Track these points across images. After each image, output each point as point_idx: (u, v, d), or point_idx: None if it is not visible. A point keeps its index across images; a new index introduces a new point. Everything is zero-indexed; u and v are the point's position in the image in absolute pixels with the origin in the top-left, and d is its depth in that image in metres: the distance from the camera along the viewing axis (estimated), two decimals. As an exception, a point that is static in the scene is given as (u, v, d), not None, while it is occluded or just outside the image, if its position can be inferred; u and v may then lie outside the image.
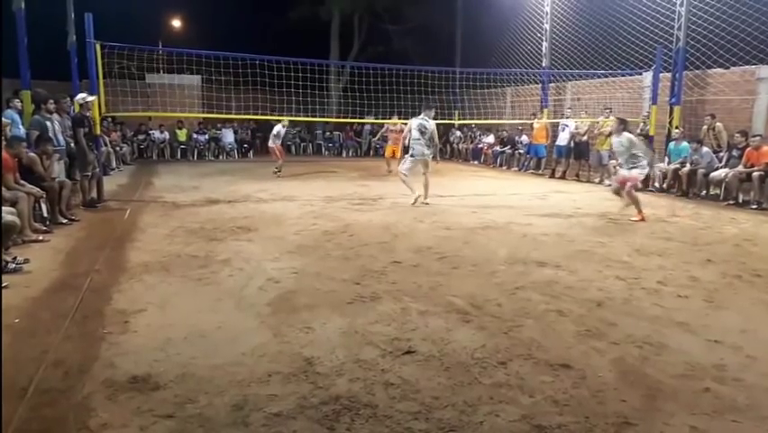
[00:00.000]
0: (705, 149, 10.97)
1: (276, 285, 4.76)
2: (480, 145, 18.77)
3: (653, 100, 12.91)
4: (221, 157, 19.07)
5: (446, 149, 20.92)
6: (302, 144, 22.14)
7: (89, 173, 8.68)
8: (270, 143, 13.87)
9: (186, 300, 4.38)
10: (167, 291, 4.58)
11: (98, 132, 9.45)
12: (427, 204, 9.06)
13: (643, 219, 8.09)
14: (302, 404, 2.81)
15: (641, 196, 8.86)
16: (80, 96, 8.61)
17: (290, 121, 17.05)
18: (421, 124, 8.92)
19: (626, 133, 8.25)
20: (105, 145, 12.71)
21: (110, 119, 14.92)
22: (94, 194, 8.85)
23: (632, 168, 8.21)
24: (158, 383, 2.99)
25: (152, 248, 6.02)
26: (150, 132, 18.46)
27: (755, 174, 9.72)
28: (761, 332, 3.89)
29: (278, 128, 13.71)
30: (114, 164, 14.29)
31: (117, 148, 15.28)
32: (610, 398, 2.93)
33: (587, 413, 2.77)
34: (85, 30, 8.99)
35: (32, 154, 6.97)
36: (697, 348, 3.59)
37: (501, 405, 2.84)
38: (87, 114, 8.60)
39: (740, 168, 10.05)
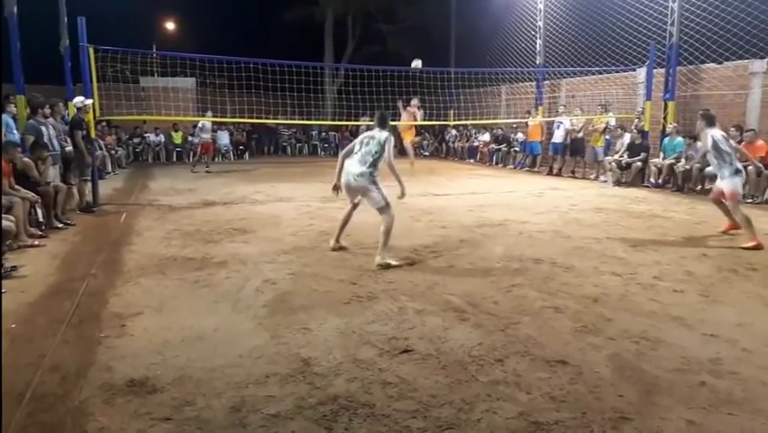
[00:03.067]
0: (699, 143, 10.98)
1: (273, 286, 4.76)
2: (475, 144, 18.81)
3: (648, 96, 12.94)
4: (216, 159, 19.05)
5: (442, 147, 20.97)
6: (298, 145, 22.14)
7: (88, 177, 8.67)
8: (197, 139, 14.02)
9: (182, 303, 4.37)
10: (163, 294, 4.58)
11: (93, 135, 9.44)
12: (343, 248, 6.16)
13: (757, 246, 6.12)
14: (300, 405, 2.81)
15: (641, 192, 8.81)
16: (78, 99, 8.60)
17: (286, 124, 17.11)
18: (365, 135, 5.74)
19: (709, 131, 6.54)
20: (101, 149, 12.70)
21: (105, 123, 14.90)
22: (89, 198, 8.84)
23: (726, 177, 6.44)
24: (155, 386, 2.99)
25: (148, 251, 6.01)
26: (146, 135, 18.45)
27: (750, 168, 9.74)
28: (756, 325, 3.91)
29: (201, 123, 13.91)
30: (109, 168, 14.26)
31: (113, 151, 15.26)
32: (607, 393, 2.94)
33: (584, 409, 2.78)
34: (78, 33, 8.97)
35: (26, 159, 6.96)
36: (693, 342, 3.61)
37: (498, 402, 2.85)
38: (85, 117, 8.60)
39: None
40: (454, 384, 3.03)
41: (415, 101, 13.61)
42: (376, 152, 5.48)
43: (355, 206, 5.93)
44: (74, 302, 4.36)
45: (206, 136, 14.56)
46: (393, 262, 5.41)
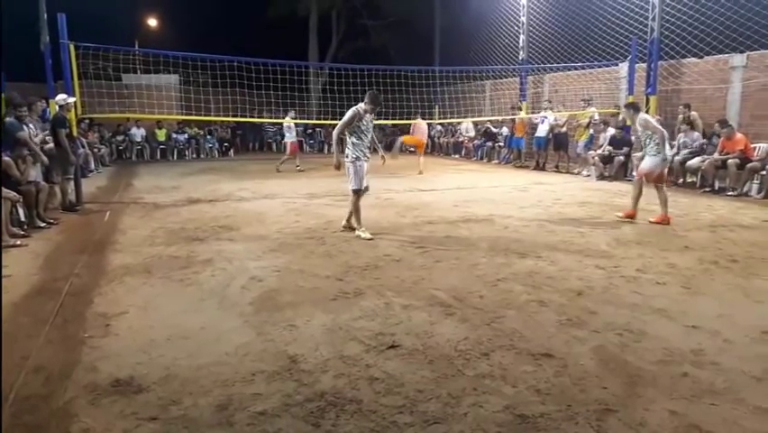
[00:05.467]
0: (696, 133, 11.06)
1: (259, 284, 4.75)
2: (460, 139, 18.86)
3: (630, 91, 13.07)
4: (201, 156, 18.94)
5: (428, 143, 20.97)
6: (283, 142, 22.00)
7: (71, 175, 8.57)
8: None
9: (168, 302, 4.35)
10: (148, 293, 4.55)
11: (75, 133, 9.33)
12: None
13: (660, 222, 7.22)
14: (287, 402, 2.81)
15: (624, 186, 8.88)
16: (61, 96, 8.48)
17: (270, 121, 17.13)
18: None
19: (640, 115, 7.43)
20: (83, 147, 12.55)
21: (88, 120, 14.72)
22: (72, 197, 8.74)
23: (649, 155, 7.40)
24: (141, 386, 2.97)
25: (133, 250, 5.97)
26: (128, 131, 18.25)
27: (731, 162, 9.89)
28: (737, 316, 3.97)
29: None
30: (92, 166, 14.11)
31: (95, 149, 15.09)
32: (591, 385, 2.97)
33: (569, 401, 2.81)
34: (58, 30, 8.85)
35: (6, 158, 6.85)
36: (675, 334, 3.66)
37: (485, 396, 2.87)
38: (67, 115, 8.49)
39: (716, 155, 10.21)
40: (441, 379, 3.05)
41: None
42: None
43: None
44: (57, 302, 4.31)
45: (292, 136, 14.53)
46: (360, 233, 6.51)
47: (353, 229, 6.69)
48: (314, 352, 3.39)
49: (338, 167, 6.59)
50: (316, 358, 3.31)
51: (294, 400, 2.83)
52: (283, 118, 14.75)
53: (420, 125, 14.12)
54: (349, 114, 6.37)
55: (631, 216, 7.49)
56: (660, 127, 7.27)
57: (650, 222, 7.28)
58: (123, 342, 3.57)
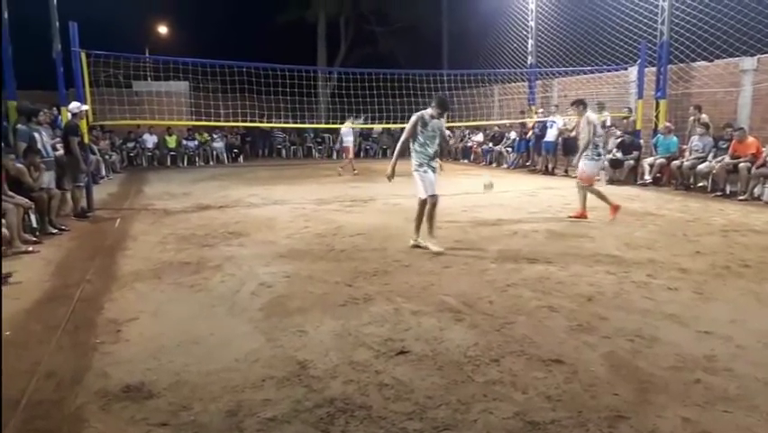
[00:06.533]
0: (709, 138, 10.95)
1: (268, 289, 4.76)
2: (469, 144, 18.84)
3: (639, 94, 13.02)
4: (211, 162, 19.04)
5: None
6: (292, 148, 22.11)
7: (82, 183, 8.64)
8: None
9: (178, 308, 4.37)
10: (159, 299, 4.57)
11: (87, 141, 9.41)
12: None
13: (579, 216, 7.89)
14: (296, 408, 2.81)
15: (634, 190, 8.82)
16: (74, 105, 8.56)
17: (280, 127, 17.29)
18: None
19: (588, 114, 7.71)
20: (94, 154, 12.65)
21: (99, 127, 14.85)
22: (84, 203, 8.80)
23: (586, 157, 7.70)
24: (151, 392, 2.98)
25: (144, 256, 6.00)
26: (140, 138, 18.38)
27: (742, 165, 9.81)
28: (750, 322, 3.93)
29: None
30: (103, 173, 14.22)
31: (106, 156, 15.21)
32: (603, 392, 2.95)
33: (580, 408, 2.79)
34: (69, 38, 8.94)
35: (19, 165, 6.93)
36: (687, 340, 3.63)
37: (495, 402, 2.86)
38: (79, 123, 8.57)
39: (727, 159, 10.14)
40: (450, 385, 3.04)
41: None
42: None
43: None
44: (69, 308, 4.34)
45: (349, 141, 14.90)
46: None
47: (419, 246, 6.16)
48: (323, 358, 3.39)
49: (390, 177, 6.22)
50: (326, 364, 3.31)
51: (303, 406, 2.83)
52: (342, 123, 15.22)
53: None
54: (411, 120, 6.08)
55: (581, 216, 7.87)
56: (599, 130, 7.71)
57: (569, 217, 7.96)
58: (133, 348, 3.59)
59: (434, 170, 6.14)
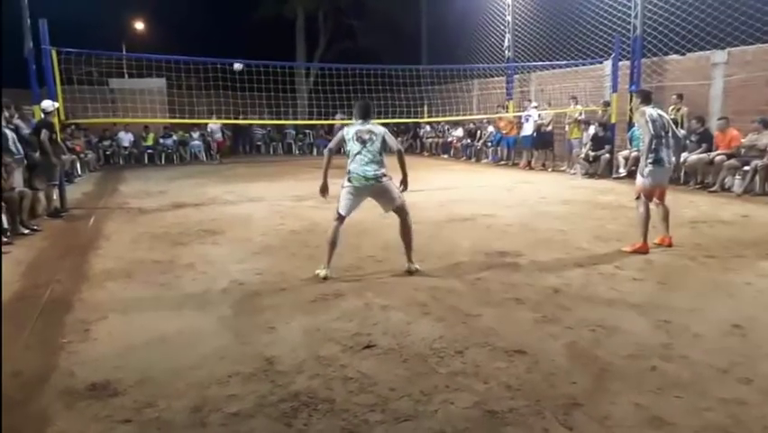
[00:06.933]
0: (683, 131, 11.07)
1: (240, 287, 4.78)
2: (449, 139, 18.93)
3: (614, 88, 13.17)
4: (188, 160, 18.91)
5: (416, 143, 21.06)
6: (272, 144, 22.04)
7: (56, 181, 8.55)
8: None
9: (148, 306, 4.37)
10: (129, 298, 4.57)
11: (60, 139, 9.31)
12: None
13: (637, 251, 5.66)
14: (261, 403, 2.85)
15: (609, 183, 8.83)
16: (46, 102, 8.46)
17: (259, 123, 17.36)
18: (359, 130, 5.11)
19: (643, 108, 5.79)
20: (68, 152, 12.51)
21: (74, 126, 14.69)
22: (57, 203, 8.72)
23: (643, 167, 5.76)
24: (117, 390, 3.00)
25: (116, 255, 5.98)
26: (116, 136, 18.19)
27: (718, 158, 9.99)
28: (708, 310, 4.05)
29: None
30: (78, 171, 14.08)
31: (82, 155, 15.06)
32: (561, 381, 3.02)
33: (538, 396, 2.86)
34: (40, 36, 8.83)
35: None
36: (647, 329, 3.72)
37: (456, 393, 2.92)
38: (52, 121, 8.48)
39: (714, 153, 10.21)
40: (414, 377, 3.10)
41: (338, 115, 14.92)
42: (383, 148, 5.07)
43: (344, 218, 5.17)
44: (38, 308, 4.33)
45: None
46: (418, 267, 5.14)
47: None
48: (291, 353, 3.43)
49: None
50: (293, 359, 3.35)
51: (268, 401, 2.87)
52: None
53: None
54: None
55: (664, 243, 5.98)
56: (650, 129, 5.60)
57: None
58: (101, 347, 3.59)
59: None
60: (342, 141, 5.16)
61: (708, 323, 3.79)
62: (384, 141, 5.08)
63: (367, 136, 5.06)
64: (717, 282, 4.73)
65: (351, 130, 5.15)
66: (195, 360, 3.36)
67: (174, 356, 3.41)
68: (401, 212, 5.17)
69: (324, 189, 5.21)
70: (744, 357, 3.26)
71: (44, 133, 8.10)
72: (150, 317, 4.13)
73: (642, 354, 3.32)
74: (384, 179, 5.05)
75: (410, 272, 5.09)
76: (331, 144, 5.24)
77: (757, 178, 9.47)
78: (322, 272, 5.02)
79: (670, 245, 5.87)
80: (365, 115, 5.22)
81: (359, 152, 5.03)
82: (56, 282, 5.02)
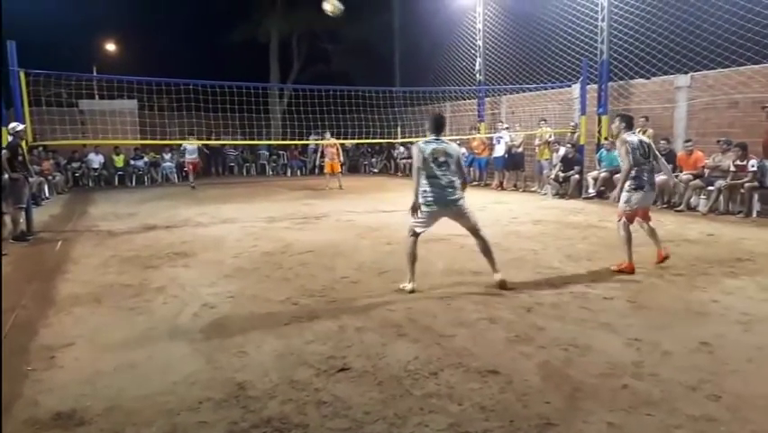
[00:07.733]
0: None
1: (211, 310, 4.71)
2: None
3: (582, 111, 13.48)
4: (160, 181, 18.69)
5: (390, 164, 21.19)
6: (245, 165, 21.92)
7: (23, 204, 8.37)
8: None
9: (117, 332, 4.27)
10: (97, 323, 4.47)
11: (27, 161, 9.12)
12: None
13: (623, 270, 5.73)
14: (231, 429, 2.80)
15: (579, 204, 8.97)
16: (13, 125, 8.31)
17: (232, 144, 17.29)
18: (435, 150, 5.07)
19: (624, 136, 5.80)
20: (34, 175, 12.25)
21: (41, 148, 14.43)
22: (24, 226, 8.52)
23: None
24: (83, 418, 2.92)
25: (84, 279, 5.85)
26: (85, 158, 17.89)
27: (684, 177, 10.25)
28: (677, 328, 4.12)
29: None
30: (46, 193, 13.79)
31: (50, 177, 14.77)
32: (534, 400, 3.04)
33: (512, 417, 2.87)
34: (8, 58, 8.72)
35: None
36: (618, 347, 3.77)
37: (431, 415, 2.91)
38: (20, 143, 8.32)
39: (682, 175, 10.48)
40: (388, 399, 3.08)
41: (327, 135, 15.29)
42: (458, 168, 5.16)
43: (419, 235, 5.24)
44: (1, 335, 4.20)
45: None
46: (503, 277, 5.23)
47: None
48: (263, 378, 3.39)
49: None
50: (265, 384, 3.30)
51: (239, 428, 2.82)
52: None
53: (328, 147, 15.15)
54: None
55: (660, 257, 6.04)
56: (630, 160, 5.68)
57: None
58: (67, 374, 3.50)
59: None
60: (421, 158, 5.05)
61: (677, 340, 3.86)
62: (458, 164, 5.18)
63: (443, 159, 5.06)
64: (684, 300, 4.82)
65: (427, 148, 5.08)
66: (165, 386, 3.29)
67: (143, 383, 3.34)
68: (476, 232, 5.30)
69: (415, 209, 5.14)
70: (712, 374, 3.32)
71: (4, 153, 7.93)
72: (119, 342, 4.03)
73: (613, 373, 3.36)
74: (461, 201, 5.16)
75: (502, 284, 5.15)
76: (418, 164, 5.08)
77: (721, 198, 9.75)
78: (408, 286, 5.15)
79: (667, 257, 6.03)
80: (438, 129, 5.21)
81: (435, 176, 5.03)
82: (21, 308, 4.88)
